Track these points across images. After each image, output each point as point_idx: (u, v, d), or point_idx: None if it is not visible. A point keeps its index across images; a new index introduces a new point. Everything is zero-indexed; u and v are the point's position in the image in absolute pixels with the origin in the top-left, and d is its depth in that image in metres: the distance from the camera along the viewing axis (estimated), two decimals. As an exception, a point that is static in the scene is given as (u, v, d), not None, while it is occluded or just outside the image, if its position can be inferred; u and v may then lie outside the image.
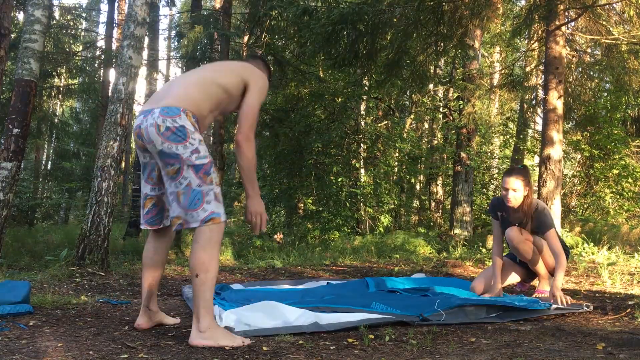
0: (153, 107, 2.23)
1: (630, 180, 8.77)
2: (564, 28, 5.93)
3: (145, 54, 12.01)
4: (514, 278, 3.62)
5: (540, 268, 3.46)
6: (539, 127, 10.52)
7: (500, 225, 3.46)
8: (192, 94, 2.25)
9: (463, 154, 8.71)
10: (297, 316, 2.53)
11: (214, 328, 2.15)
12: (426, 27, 6.25)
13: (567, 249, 3.58)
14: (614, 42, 6.40)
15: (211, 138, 14.12)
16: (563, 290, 3.67)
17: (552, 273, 3.58)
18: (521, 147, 10.69)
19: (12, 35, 9.70)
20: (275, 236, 9.33)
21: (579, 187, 9.74)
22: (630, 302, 3.02)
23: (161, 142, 2.15)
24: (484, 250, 6.36)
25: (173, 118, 2.16)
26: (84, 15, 18.33)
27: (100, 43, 18.39)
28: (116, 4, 15.06)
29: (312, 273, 5.04)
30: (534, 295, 3.43)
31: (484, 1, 6.00)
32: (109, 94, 6.59)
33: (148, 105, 2.29)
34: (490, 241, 6.69)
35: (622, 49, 6.54)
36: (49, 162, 21.24)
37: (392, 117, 10.76)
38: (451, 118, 9.61)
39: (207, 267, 2.12)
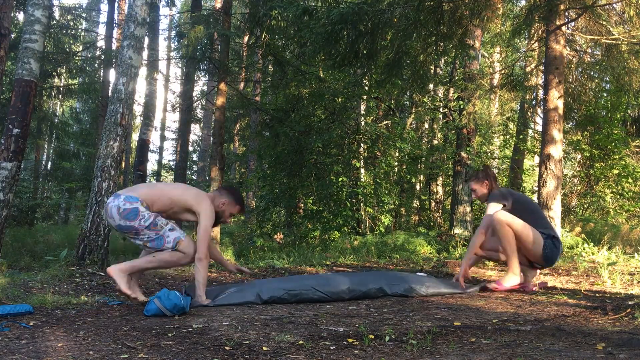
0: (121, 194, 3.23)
1: (630, 180, 8.75)
2: (564, 28, 5.92)
3: (145, 54, 12.02)
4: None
5: (509, 258, 3.63)
6: (539, 127, 10.51)
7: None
8: (150, 195, 3.29)
9: (463, 154, 8.70)
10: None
11: (125, 277, 3.17)
12: (426, 27, 6.23)
13: (553, 238, 3.65)
14: (614, 42, 6.39)
15: (211, 138, 14.11)
16: (562, 289, 3.67)
17: (534, 265, 3.74)
18: (521, 147, 10.68)
19: (12, 35, 9.69)
20: (276, 236, 9.32)
21: (579, 187, 9.73)
22: (630, 302, 3.01)
23: (118, 219, 3.16)
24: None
25: (128, 202, 3.18)
26: (84, 15, 18.33)
27: (100, 43, 18.39)
28: (116, 4, 15.06)
29: (312, 274, 5.04)
30: (491, 286, 3.70)
31: (484, 1, 5.99)
32: (109, 94, 6.59)
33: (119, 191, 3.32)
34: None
35: (622, 49, 6.53)
36: (49, 162, 21.25)
37: (392, 117, 10.76)
38: (451, 118, 9.61)
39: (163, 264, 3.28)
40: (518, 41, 10.65)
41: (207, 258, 3.24)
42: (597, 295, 3.45)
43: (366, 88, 10.03)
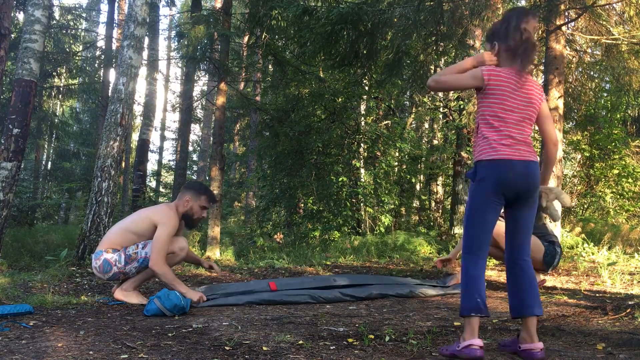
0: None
1: (630, 180, 8.74)
2: (564, 28, 5.92)
3: (145, 54, 12.02)
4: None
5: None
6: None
7: None
8: (112, 239, 3.37)
9: (463, 154, 8.70)
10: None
11: (132, 292, 3.33)
12: (426, 27, 6.23)
13: (554, 245, 3.64)
14: (614, 42, 6.38)
15: (211, 138, 14.11)
16: (562, 289, 3.68)
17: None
18: (521, 147, 10.66)
19: (12, 35, 9.69)
20: (276, 236, 9.32)
21: (579, 187, 9.72)
22: (630, 302, 3.01)
23: (102, 275, 3.34)
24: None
25: (97, 259, 3.31)
26: (84, 15, 18.33)
27: (100, 43, 18.39)
28: (116, 4, 15.05)
29: (312, 273, 5.04)
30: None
31: (484, 1, 5.98)
32: (109, 94, 6.59)
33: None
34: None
35: (622, 49, 6.52)
36: (49, 162, 21.24)
37: (392, 117, 10.75)
38: (451, 118, 9.60)
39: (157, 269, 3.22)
40: (518, 41, 10.61)
41: (160, 265, 3.17)
42: (597, 295, 3.45)
43: (366, 88, 10.03)
